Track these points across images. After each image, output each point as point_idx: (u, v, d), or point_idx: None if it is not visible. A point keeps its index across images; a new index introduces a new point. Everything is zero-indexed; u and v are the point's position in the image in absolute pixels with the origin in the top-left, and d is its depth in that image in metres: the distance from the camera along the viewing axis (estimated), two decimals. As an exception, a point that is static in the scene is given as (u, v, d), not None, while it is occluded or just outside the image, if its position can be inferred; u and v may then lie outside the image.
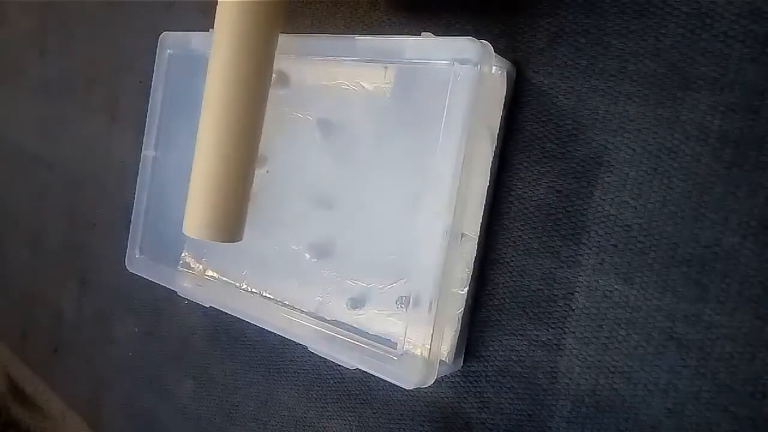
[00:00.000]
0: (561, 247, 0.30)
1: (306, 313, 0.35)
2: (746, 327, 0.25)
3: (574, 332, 0.29)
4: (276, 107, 0.37)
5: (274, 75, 0.35)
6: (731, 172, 0.26)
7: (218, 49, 0.30)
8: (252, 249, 0.38)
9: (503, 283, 0.32)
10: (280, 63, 0.38)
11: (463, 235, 0.30)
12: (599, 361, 0.29)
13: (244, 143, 0.30)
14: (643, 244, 0.28)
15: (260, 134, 0.32)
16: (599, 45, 0.29)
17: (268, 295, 0.38)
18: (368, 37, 0.32)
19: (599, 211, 0.29)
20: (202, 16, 0.48)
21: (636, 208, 0.28)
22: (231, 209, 0.30)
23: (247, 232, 0.36)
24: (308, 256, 0.35)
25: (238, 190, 0.31)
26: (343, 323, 0.34)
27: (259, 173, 0.38)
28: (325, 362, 0.39)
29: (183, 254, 0.43)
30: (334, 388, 0.39)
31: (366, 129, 0.34)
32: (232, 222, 0.31)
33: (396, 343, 0.31)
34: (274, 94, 0.36)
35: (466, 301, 0.31)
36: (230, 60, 0.30)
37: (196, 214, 0.30)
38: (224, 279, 0.40)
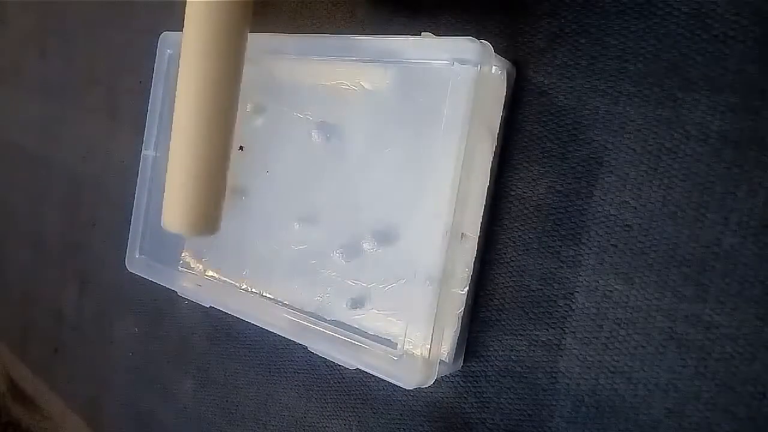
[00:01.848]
0: (561, 247, 0.30)
1: (306, 313, 0.35)
2: (746, 327, 0.25)
3: (574, 332, 0.29)
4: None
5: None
6: (731, 172, 0.26)
7: (187, 46, 0.31)
8: (252, 249, 0.38)
9: (503, 283, 0.32)
10: (278, 64, 0.38)
11: (463, 235, 0.30)
12: (599, 361, 0.29)
13: (216, 135, 0.31)
14: (643, 244, 0.28)
15: (232, 126, 0.32)
16: (599, 45, 0.29)
17: (268, 295, 0.38)
18: (368, 37, 0.32)
19: (599, 211, 0.29)
20: (202, 16, 0.48)
21: (636, 208, 0.28)
22: (203, 203, 0.31)
23: (247, 232, 0.36)
24: (308, 255, 0.35)
25: (209, 184, 0.31)
26: (343, 323, 0.34)
27: (260, 174, 0.38)
28: (325, 362, 0.39)
29: (183, 254, 0.43)
30: (334, 388, 0.39)
31: (366, 129, 0.34)
32: (205, 216, 0.31)
33: (396, 343, 0.31)
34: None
35: (466, 301, 0.31)
36: (198, 54, 0.30)
37: (170, 209, 0.31)
38: (224, 279, 0.40)
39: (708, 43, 0.26)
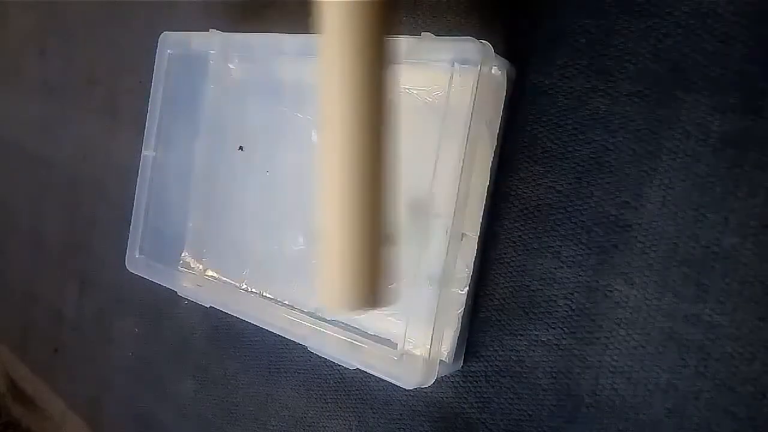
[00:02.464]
0: (561, 247, 0.30)
1: (306, 313, 0.35)
2: (746, 327, 0.25)
3: (574, 332, 0.29)
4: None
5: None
6: (731, 172, 0.26)
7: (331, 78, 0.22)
8: (252, 249, 0.38)
9: (503, 283, 0.32)
10: (278, 64, 0.38)
11: (463, 235, 0.30)
12: (599, 361, 0.29)
13: (375, 201, 0.23)
14: (643, 244, 0.28)
15: (389, 183, 0.25)
16: (599, 45, 0.29)
17: (268, 295, 0.38)
18: (368, 37, 0.32)
19: (599, 211, 0.29)
20: (202, 16, 0.48)
21: (636, 209, 0.28)
22: (374, 273, 0.23)
23: (247, 232, 0.36)
24: (308, 256, 0.35)
25: (377, 249, 0.23)
26: (343, 323, 0.34)
27: (260, 173, 0.38)
28: (325, 362, 0.39)
29: (183, 254, 0.43)
30: (334, 388, 0.39)
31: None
32: (377, 285, 0.23)
33: (396, 343, 0.31)
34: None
35: (466, 301, 0.31)
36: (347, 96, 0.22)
37: (337, 284, 0.23)
38: (224, 279, 0.40)
39: (708, 43, 0.26)
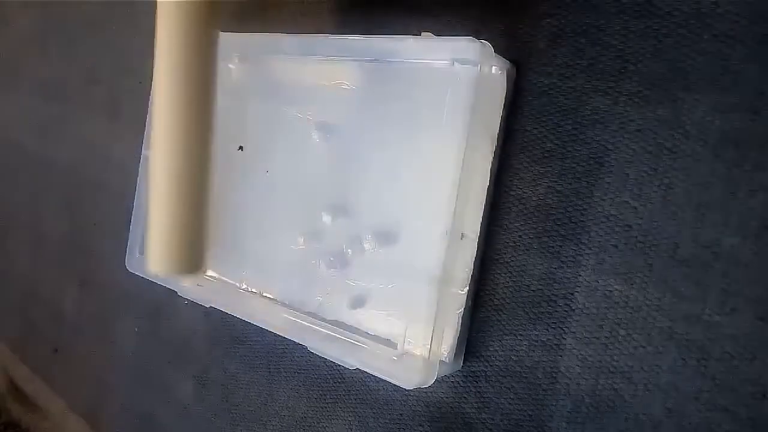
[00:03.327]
0: (561, 247, 0.30)
1: (306, 313, 0.35)
2: (746, 327, 0.25)
3: (574, 332, 0.29)
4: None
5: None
6: (731, 172, 0.26)
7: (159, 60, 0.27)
8: (252, 249, 0.38)
9: (503, 283, 0.32)
10: (278, 64, 0.38)
11: (463, 235, 0.30)
12: (599, 361, 0.29)
13: (192, 172, 0.28)
14: (643, 244, 0.28)
15: (209, 157, 0.29)
16: (599, 45, 0.29)
17: (268, 295, 0.38)
18: (368, 37, 0.32)
19: (599, 211, 0.29)
20: (202, 16, 0.48)
21: (636, 208, 0.28)
22: (185, 242, 0.28)
23: (247, 232, 0.36)
24: (308, 255, 0.35)
25: (189, 222, 0.28)
26: (343, 323, 0.34)
27: (259, 173, 0.38)
28: (325, 362, 0.39)
29: (183, 254, 0.43)
30: (334, 388, 0.39)
31: (366, 129, 0.34)
32: (189, 255, 0.29)
33: (396, 343, 0.31)
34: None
35: (466, 301, 0.31)
36: (172, 72, 0.26)
37: (154, 249, 0.28)
38: (224, 279, 0.40)
39: (708, 43, 0.26)
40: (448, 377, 0.33)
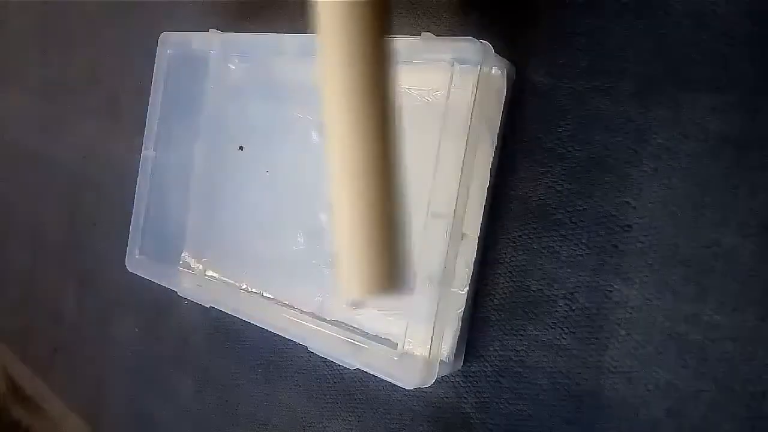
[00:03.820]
0: (561, 247, 0.30)
1: (306, 313, 0.35)
2: (746, 327, 0.25)
3: (574, 332, 0.29)
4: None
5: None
6: (731, 172, 0.26)
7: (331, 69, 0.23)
8: (252, 249, 0.39)
9: (503, 283, 0.32)
10: (278, 64, 0.38)
11: (463, 235, 0.31)
12: (599, 361, 0.29)
13: (387, 176, 0.24)
14: (643, 244, 0.28)
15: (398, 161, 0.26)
16: (599, 45, 0.29)
17: (268, 295, 0.38)
18: (368, 37, 0.32)
19: (599, 211, 0.29)
20: (202, 16, 0.48)
21: (636, 208, 0.28)
22: (394, 254, 0.24)
23: (247, 232, 0.36)
24: (308, 255, 0.35)
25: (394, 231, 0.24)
26: (343, 323, 0.34)
27: (260, 173, 0.38)
28: (325, 362, 0.39)
29: (183, 254, 0.43)
30: (334, 388, 0.39)
31: (366, 129, 0.34)
32: (398, 267, 0.24)
33: (396, 343, 0.31)
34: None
35: (466, 301, 0.31)
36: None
37: (357, 270, 0.24)
38: (224, 279, 0.40)
39: (708, 43, 0.26)
40: (448, 377, 0.33)
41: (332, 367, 0.39)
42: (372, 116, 0.23)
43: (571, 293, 0.29)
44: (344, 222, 0.24)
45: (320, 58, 0.22)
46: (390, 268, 0.23)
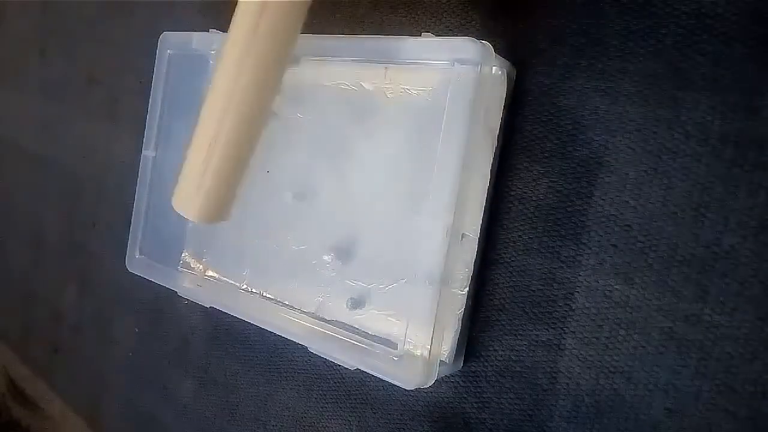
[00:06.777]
0: (561, 247, 0.30)
1: (306, 313, 0.35)
2: (746, 327, 0.25)
3: (574, 332, 0.29)
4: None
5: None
6: (731, 172, 0.26)
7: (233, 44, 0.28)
8: (252, 249, 0.39)
9: (503, 283, 0.32)
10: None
11: (463, 235, 0.30)
12: (599, 361, 0.29)
13: (247, 125, 0.29)
14: (643, 244, 0.28)
15: (264, 123, 0.30)
16: (599, 45, 0.29)
17: (268, 296, 0.38)
18: (368, 37, 0.32)
19: (599, 211, 0.29)
20: (202, 16, 0.48)
21: (636, 208, 0.28)
22: (224, 189, 0.29)
23: (247, 232, 0.36)
24: (308, 255, 0.35)
25: (236, 169, 0.29)
26: (343, 323, 0.34)
27: (260, 174, 0.38)
28: (325, 362, 0.39)
29: (183, 254, 0.43)
30: (334, 388, 0.39)
31: (366, 129, 0.34)
32: (223, 203, 0.29)
33: (396, 344, 0.31)
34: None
35: (466, 301, 0.31)
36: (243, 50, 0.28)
37: (186, 191, 0.29)
38: (224, 279, 0.40)
39: (708, 43, 0.26)
40: (448, 377, 0.33)
41: (332, 367, 0.39)
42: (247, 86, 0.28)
43: (571, 293, 0.29)
44: (201, 151, 0.28)
45: (227, 38, 0.27)
46: (223, 205, 0.29)
